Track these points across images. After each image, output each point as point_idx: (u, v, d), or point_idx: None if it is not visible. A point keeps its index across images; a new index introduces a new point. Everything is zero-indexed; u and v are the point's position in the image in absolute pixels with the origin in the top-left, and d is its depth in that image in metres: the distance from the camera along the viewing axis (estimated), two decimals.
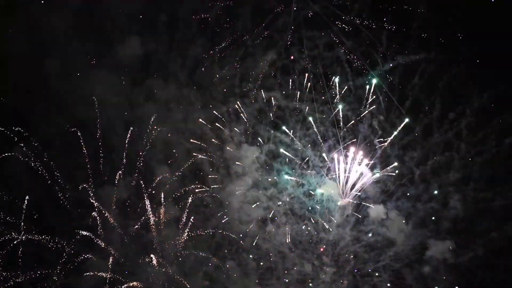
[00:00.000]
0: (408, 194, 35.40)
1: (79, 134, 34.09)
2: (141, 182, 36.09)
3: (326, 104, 35.15)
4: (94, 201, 35.39)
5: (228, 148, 36.00)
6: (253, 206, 36.27)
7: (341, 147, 35.27)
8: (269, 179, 36.60)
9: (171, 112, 35.16)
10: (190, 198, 36.83)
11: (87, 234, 35.32)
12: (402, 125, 33.86)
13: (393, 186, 35.30)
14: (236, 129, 35.83)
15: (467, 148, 33.85)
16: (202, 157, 36.11)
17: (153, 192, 36.44)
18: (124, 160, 35.81)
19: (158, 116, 35.06)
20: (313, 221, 36.84)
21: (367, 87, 34.36)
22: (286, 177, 35.33)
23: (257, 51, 34.34)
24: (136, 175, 36.05)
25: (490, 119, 33.38)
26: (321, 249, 36.35)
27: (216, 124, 35.57)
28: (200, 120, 35.55)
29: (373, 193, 35.88)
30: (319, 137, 35.61)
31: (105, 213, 35.70)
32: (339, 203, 35.70)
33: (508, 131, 32.87)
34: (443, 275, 35.38)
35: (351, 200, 35.49)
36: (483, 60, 33.16)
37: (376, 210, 35.79)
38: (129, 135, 35.35)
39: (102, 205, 35.42)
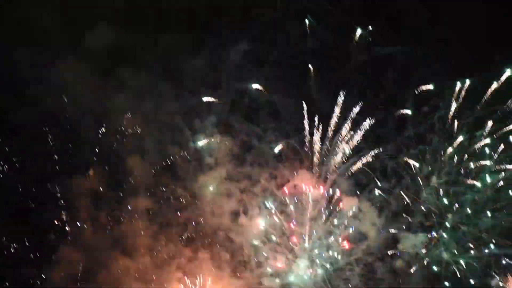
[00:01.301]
0: (380, 187, 35.16)
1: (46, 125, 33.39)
2: (113, 174, 35.48)
3: (301, 98, 34.79)
4: (62, 194, 34.75)
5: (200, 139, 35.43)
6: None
7: (315, 139, 35.05)
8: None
9: (142, 102, 34.39)
10: (162, 189, 36.32)
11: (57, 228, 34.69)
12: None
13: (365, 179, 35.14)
14: (208, 120, 35.12)
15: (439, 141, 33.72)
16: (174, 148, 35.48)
17: (125, 184, 35.91)
18: (95, 152, 35.22)
19: (130, 107, 34.40)
20: (285, 214, 36.48)
21: None
22: None
23: (230, 41, 33.80)
24: (107, 166, 35.39)
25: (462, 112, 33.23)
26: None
27: (188, 115, 34.98)
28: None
29: (346, 186, 35.75)
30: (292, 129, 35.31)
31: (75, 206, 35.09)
32: (312, 194, 35.55)
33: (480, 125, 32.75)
34: (414, 269, 35.27)
35: (324, 191, 35.32)
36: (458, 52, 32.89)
37: (349, 203, 35.68)
38: (102, 129, 34.66)
39: (73, 198, 34.89)
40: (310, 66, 34.86)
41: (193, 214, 37.26)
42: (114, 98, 34.65)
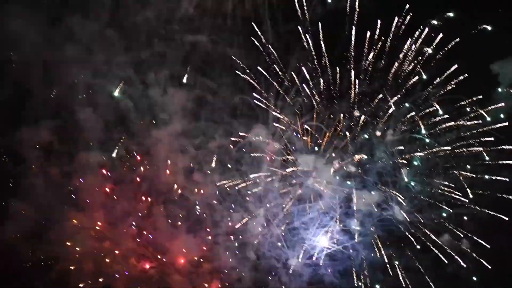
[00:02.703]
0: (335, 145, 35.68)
1: None
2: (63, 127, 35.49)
3: (255, 50, 34.83)
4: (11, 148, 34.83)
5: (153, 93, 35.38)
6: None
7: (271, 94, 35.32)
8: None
9: (92, 54, 34.21)
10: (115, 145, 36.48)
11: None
12: None
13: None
14: (161, 73, 35.06)
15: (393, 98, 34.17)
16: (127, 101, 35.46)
17: (77, 137, 35.94)
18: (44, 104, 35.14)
19: (79, 58, 34.18)
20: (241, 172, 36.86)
21: None
22: None
23: None
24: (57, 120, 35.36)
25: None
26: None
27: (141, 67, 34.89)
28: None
29: (301, 143, 36.14)
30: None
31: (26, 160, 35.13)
32: (267, 147, 35.84)
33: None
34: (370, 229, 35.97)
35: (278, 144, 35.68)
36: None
37: (305, 161, 36.07)
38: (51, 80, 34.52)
39: (23, 150, 34.88)
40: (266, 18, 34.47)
41: (147, 170, 37.23)
42: (63, 48, 34.22)
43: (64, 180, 36.66)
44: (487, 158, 34.98)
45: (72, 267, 36.24)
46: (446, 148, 34.97)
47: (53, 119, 36.07)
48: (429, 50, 34.52)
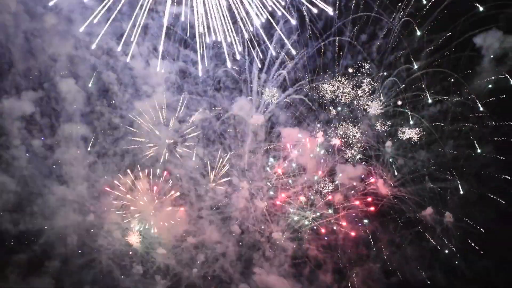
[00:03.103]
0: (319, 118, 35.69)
1: None
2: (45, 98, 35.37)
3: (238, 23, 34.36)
4: None
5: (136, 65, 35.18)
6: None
7: (254, 67, 35.11)
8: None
9: (74, 24, 33.95)
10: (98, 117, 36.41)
11: None
12: None
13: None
14: (144, 45, 34.82)
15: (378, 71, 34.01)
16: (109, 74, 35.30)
17: (60, 109, 35.86)
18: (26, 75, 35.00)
19: (60, 29, 33.93)
20: (225, 146, 36.87)
21: None
22: None
23: None
24: (40, 90, 35.26)
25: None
26: None
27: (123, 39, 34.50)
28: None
29: (285, 117, 36.13)
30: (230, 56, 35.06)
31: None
32: (251, 120, 35.74)
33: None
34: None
35: (262, 116, 35.60)
36: None
37: (288, 134, 36.09)
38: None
39: (4, 121, 34.82)
40: None
41: (130, 143, 37.25)
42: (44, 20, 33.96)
43: (47, 152, 36.53)
44: (470, 133, 34.75)
45: (55, 241, 36.26)
46: (430, 123, 34.64)
47: (35, 91, 35.80)
48: (417, 31, 34.18)
